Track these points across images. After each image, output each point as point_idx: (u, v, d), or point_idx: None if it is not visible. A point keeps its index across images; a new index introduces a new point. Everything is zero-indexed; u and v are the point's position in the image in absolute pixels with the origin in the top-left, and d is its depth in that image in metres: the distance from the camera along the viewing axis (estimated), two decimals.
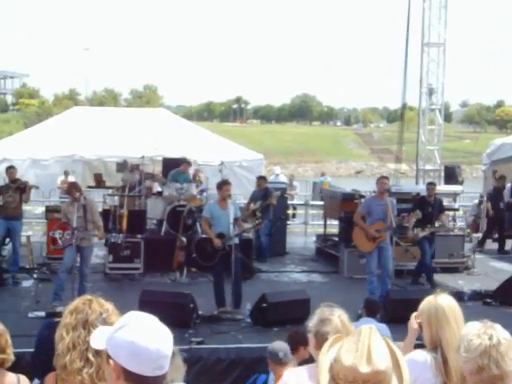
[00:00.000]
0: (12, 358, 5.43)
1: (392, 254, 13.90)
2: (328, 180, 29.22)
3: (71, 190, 13.08)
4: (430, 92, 23.02)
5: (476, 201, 22.18)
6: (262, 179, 18.47)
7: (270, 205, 17.55)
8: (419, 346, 4.88)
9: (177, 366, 7.11)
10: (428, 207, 15.37)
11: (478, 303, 13.36)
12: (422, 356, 4.66)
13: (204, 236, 13.15)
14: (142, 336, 2.82)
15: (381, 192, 13.81)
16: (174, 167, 17.76)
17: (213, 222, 12.85)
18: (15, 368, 5.47)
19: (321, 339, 4.27)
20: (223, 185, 13.04)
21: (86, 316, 3.94)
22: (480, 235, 19.90)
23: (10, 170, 15.39)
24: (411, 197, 17.48)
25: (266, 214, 17.52)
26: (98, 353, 3.83)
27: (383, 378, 2.90)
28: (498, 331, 3.87)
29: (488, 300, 13.63)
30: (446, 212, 18.50)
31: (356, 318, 9.58)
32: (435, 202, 15.54)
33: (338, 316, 4.47)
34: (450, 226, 16.77)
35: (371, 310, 9.96)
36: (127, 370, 2.82)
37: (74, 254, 12.60)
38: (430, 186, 16.05)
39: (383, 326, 9.63)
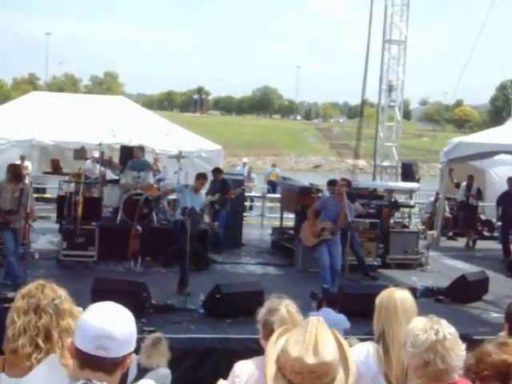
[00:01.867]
0: None
1: (343, 251, 14.00)
2: (276, 171, 30.95)
3: (19, 171, 13.11)
4: (390, 89, 23.11)
5: (432, 198, 22.41)
6: (218, 172, 18.19)
7: (229, 197, 17.56)
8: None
9: (162, 352, 7.42)
10: None
11: (430, 300, 13.46)
12: (365, 347, 4.73)
13: None
14: (92, 314, 2.88)
15: (338, 193, 13.87)
16: (131, 155, 17.65)
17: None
18: None
19: (268, 329, 4.31)
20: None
21: (37, 301, 3.90)
22: (434, 232, 20.11)
23: None
24: (368, 192, 17.61)
25: (224, 205, 17.60)
26: (47, 339, 3.82)
27: (329, 369, 2.93)
28: (444, 326, 3.92)
29: (440, 297, 13.76)
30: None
31: (309, 310, 9.62)
32: None
33: (285, 306, 4.49)
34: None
35: (331, 300, 10.05)
36: (76, 347, 2.86)
37: (12, 236, 12.73)
38: (343, 181, 15.64)
39: (342, 316, 9.72)
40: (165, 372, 8.30)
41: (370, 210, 16.74)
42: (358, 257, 15.60)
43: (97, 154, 18.95)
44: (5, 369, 4.09)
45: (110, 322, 2.85)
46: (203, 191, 15.46)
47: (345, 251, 14.01)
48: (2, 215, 12.67)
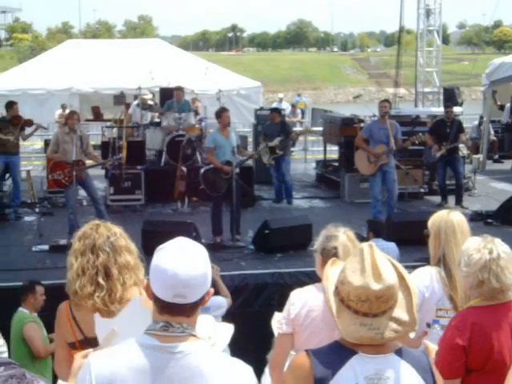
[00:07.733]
0: None
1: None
2: (303, 100, 33.51)
3: (73, 118, 12.84)
4: (428, 13, 22.69)
5: (476, 122, 22.13)
6: (275, 112, 16.89)
7: (291, 141, 17.21)
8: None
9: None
10: (445, 128, 15.32)
11: (479, 224, 13.37)
12: (427, 271, 4.72)
13: (210, 166, 12.82)
14: (166, 260, 2.77)
15: (382, 115, 13.74)
16: (171, 97, 17.59)
17: (216, 151, 12.64)
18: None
19: (327, 256, 4.27)
20: (222, 112, 12.84)
21: (93, 241, 3.96)
22: (480, 156, 19.91)
23: (15, 106, 15.25)
24: (411, 119, 17.43)
25: (287, 150, 16.50)
26: (107, 276, 3.90)
27: (394, 291, 2.99)
28: (498, 245, 3.92)
29: (489, 220, 13.69)
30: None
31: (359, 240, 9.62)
32: (453, 124, 15.43)
33: (343, 232, 4.49)
34: (469, 143, 17.56)
35: (377, 230, 10.01)
36: (153, 293, 2.82)
37: (76, 192, 12.85)
38: (448, 108, 15.94)
39: (392, 244, 9.69)
40: (220, 298, 8.48)
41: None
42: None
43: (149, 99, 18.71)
44: (72, 310, 4.23)
45: (184, 268, 2.74)
46: (233, 126, 14.12)
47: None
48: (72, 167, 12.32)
